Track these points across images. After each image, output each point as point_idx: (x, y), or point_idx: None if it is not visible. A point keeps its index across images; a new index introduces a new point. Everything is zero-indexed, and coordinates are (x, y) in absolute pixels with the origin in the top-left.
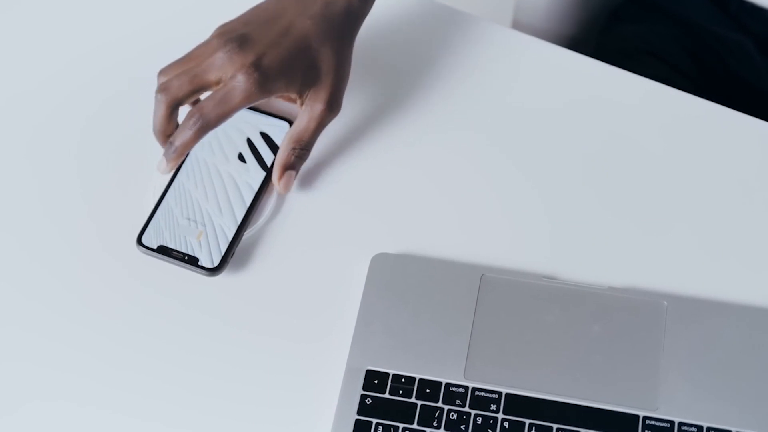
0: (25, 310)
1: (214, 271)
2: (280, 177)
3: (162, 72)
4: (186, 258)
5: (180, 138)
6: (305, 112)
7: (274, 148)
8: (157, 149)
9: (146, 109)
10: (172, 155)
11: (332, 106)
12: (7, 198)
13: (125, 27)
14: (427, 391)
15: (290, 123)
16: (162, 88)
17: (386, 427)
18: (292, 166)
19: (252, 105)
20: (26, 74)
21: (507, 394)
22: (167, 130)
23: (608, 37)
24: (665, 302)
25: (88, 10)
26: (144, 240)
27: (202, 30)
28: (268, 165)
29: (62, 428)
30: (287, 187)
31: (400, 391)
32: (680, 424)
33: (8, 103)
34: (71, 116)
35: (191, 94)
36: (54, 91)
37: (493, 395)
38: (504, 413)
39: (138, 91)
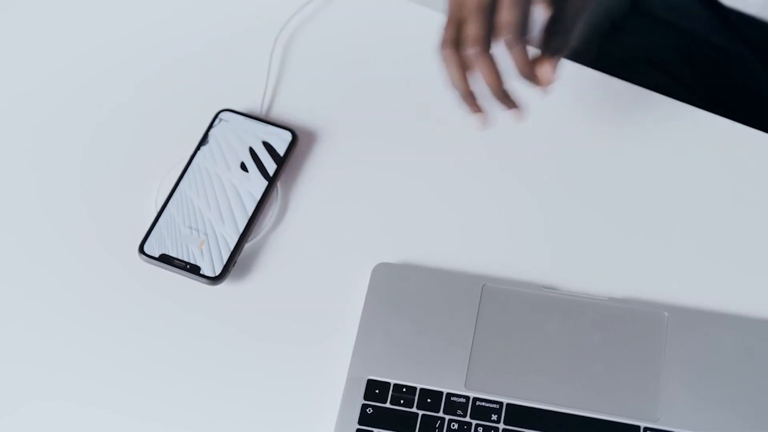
0: (25, 310)
1: (215, 280)
2: (546, 63)
3: (441, 44)
4: (188, 266)
5: (519, 62)
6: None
7: (276, 157)
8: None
9: (147, 109)
10: (509, 98)
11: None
12: (7, 198)
13: (125, 27)
14: (428, 400)
15: (293, 133)
16: (446, 46)
17: None
18: (556, 49)
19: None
20: (26, 74)
21: (508, 404)
22: (468, 83)
23: (609, 47)
24: (666, 313)
25: (88, 10)
26: (146, 248)
27: (202, 30)
28: (270, 174)
29: (62, 428)
30: (551, 77)
31: (401, 401)
32: None
33: (8, 103)
34: (71, 116)
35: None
36: (54, 91)
37: (494, 405)
38: (505, 423)
39: (138, 91)
